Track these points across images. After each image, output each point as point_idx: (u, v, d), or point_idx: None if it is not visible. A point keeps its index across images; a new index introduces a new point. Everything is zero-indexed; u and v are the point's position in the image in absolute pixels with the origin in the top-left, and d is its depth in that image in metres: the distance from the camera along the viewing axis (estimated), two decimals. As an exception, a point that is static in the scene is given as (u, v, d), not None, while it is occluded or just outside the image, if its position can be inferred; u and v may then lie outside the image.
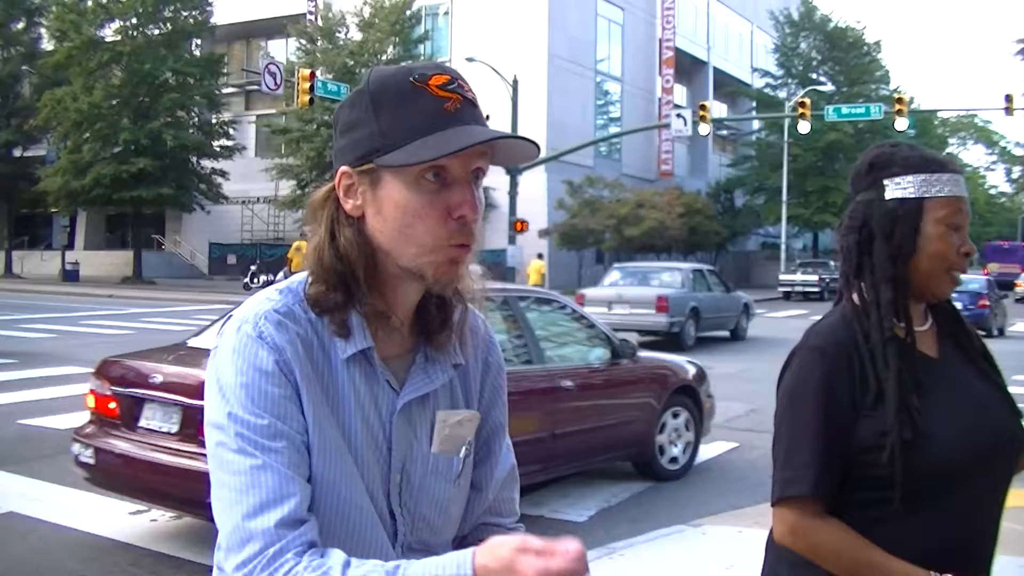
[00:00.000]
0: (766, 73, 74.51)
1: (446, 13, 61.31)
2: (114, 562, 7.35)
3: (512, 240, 43.62)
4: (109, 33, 54.35)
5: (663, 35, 70.20)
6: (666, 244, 56.28)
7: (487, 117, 1.96)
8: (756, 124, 74.34)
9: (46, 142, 59.82)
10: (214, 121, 58.04)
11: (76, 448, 7.91)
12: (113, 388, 7.89)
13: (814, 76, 70.15)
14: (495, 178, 47.25)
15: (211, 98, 56.80)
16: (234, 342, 1.81)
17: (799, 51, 72.15)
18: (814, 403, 2.42)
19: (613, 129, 65.16)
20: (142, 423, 7.58)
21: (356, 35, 53.13)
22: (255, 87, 54.84)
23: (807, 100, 44.53)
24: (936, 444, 2.37)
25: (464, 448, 2.01)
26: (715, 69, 78.79)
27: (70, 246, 63.73)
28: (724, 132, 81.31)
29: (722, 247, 69.18)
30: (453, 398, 2.04)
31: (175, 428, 7.33)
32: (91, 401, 8.11)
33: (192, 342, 8.83)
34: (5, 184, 61.56)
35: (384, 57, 52.00)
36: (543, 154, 50.60)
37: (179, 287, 51.53)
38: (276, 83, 35.69)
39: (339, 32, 53.81)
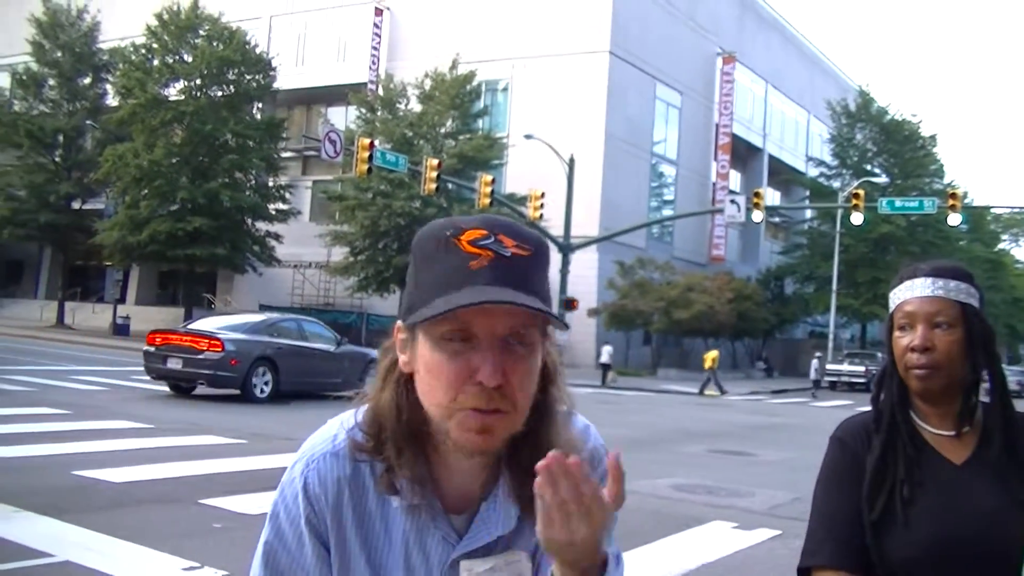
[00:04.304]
0: (821, 162, 74.44)
1: (505, 88, 61.79)
2: (168, 617, 7.43)
3: (561, 318, 43.70)
4: (173, 93, 55.10)
5: (720, 120, 70.54)
6: (714, 328, 56.19)
7: (526, 253, 1.84)
8: (809, 213, 74.26)
9: (105, 196, 60.53)
10: (271, 184, 58.50)
11: None
12: None
13: (868, 167, 69.98)
14: (547, 254, 47.32)
15: (269, 161, 57.31)
16: (287, 478, 1.94)
17: (854, 142, 72.02)
18: (829, 487, 2.68)
19: (666, 211, 65.45)
20: None
21: (416, 107, 53.44)
22: (313, 153, 55.42)
23: (861, 191, 44.41)
24: (912, 536, 2.53)
25: None
26: (770, 156, 79.04)
27: (122, 300, 64.40)
28: (777, 219, 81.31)
29: (770, 334, 69.01)
30: (525, 538, 1.95)
31: None
32: None
33: None
34: (62, 235, 62.46)
35: (442, 130, 52.44)
36: (596, 233, 50.71)
37: (228, 347, 51.68)
38: (336, 151, 36.04)
39: (400, 103, 54.12)
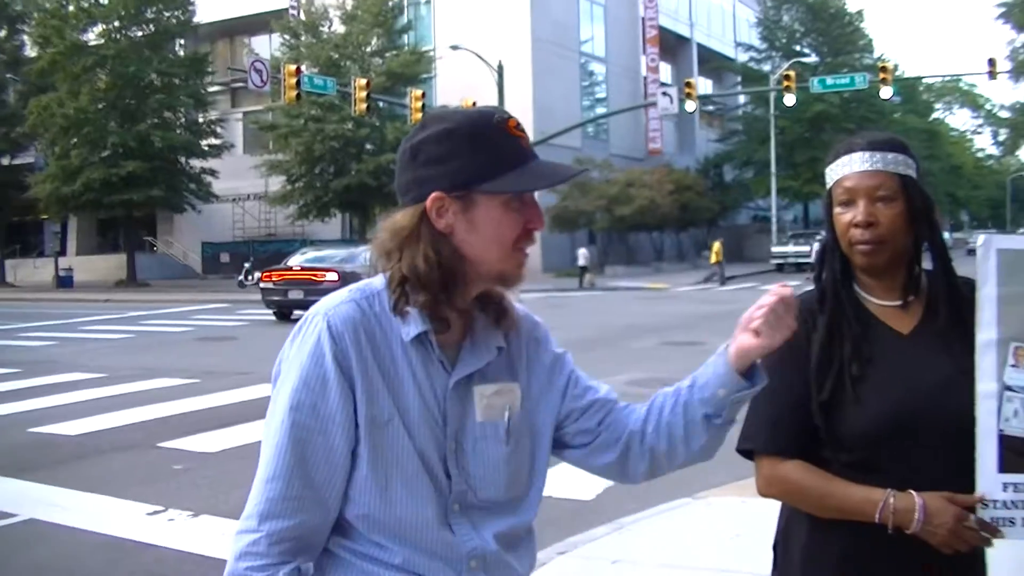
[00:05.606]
0: (750, 47, 74.47)
1: (427, 2, 61.21)
2: (138, 562, 7.43)
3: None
4: (92, 37, 54.02)
5: (646, 14, 70.27)
6: (658, 222, 56.41)
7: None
8: (742, 99, 74.25)
9: (34, 149, 59.60)
10: (201, 120, 57.69)
11: None
12: None
13: (798, 48, 70.13)
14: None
15: (197, 97, 56.44)
16: (305, 330, 2.22)
17: (782, 24, 72.04)
18: (769, 369, 2.55)
19: (600, 110, 65.25)
20: None
21: (340, 28, 52.92)
22: (241, 84, 54.67)
23: (792, 72, 44.41)
24: (864, 411, 2.57)
25: (506, 413, 2.35)
26: (699, 45, 78.85)
27: (63, 252, 63.74)
28: (711, 108, 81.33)
29: (714, 222, 69.26)
30: (498, 373, 2.38)
31: None
32: None
33: None
34: (-5, 193, 61.41)
35: (368, 49, 52.03)
36: (531, 138, 50.94)
37: (174, 288, 51.45)
38: (263, 80, 35.62)
39: (323, 26, 53.57)
